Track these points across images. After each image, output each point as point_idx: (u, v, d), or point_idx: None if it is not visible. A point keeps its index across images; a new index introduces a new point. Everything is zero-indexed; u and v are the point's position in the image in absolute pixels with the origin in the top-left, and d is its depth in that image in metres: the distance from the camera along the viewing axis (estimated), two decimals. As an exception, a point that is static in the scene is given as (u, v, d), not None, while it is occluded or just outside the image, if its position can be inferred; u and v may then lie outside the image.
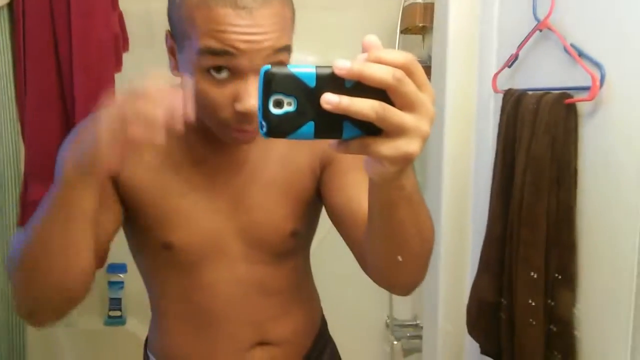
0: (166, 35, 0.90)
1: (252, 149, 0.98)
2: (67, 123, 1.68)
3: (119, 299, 2.35)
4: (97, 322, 2.33)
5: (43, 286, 0.82)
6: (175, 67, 0.89)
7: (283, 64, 0.80)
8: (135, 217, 0.98)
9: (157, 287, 1.06)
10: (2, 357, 1.68)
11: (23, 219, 1.67)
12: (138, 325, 2.33)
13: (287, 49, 0.84)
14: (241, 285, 1.02)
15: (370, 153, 0.53)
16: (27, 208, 1.68)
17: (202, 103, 0.84)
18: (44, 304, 0.85)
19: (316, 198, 1.02)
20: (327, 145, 0.56)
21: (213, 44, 0.79)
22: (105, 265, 2.27)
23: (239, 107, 0.82)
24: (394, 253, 0.75)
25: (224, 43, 0.79)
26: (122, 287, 2.35)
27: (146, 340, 1.15)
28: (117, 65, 1.71)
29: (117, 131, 0.69)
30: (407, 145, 0.52)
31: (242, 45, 0.79)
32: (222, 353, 1.04)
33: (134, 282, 2.35)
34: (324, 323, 1.20)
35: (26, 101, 1.65)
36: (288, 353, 1.08)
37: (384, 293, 2.25)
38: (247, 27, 0.79)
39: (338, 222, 0.94)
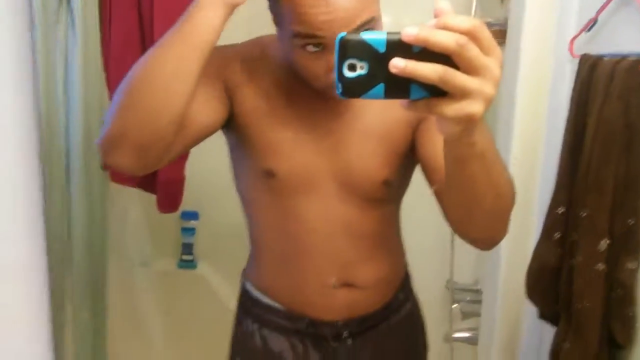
0: (269, 7, 0.95)
1: (354, 99, 1.03)
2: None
3: (191, 245, 2.48)
4: (171, 265, 2.47)
5: (139, 111, 0.83)
6: (280, 38, 0.96)
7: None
8: (243, 141, 1.06)
9: (255, 214, 1.15)
10: (84, 294, 1.82)
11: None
12: (208, 269, 2.47)
13: (372, 20, 0.88)
14: (330, 223, 1.08)
15: (435, 113, 0.57)
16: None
17: (303, 73, 0.93)
18: (131, 135, 0.84)
19: (410, 152, 1.06)
20: None
21: (300, 28, 0.86)
22: (179, 211, 2.39)
23: (332, 77, 0.87)
24: (468, 207, 0.80)
25: (310, 26, 0.85)
26: (193, 234, 2.47)
27: (244, 270, 1.24)
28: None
29: None
30: (469, 107, 0.55)
31: (325, 26, 0.85)
32: (309, 287, 1.12)
33: (205, 229, 2.48)
34: (407, 277, 1.26)
35: (110, 51, 1.75)
36: (371, 297, 1.15)
37: (446, 255, 2.28)
38: (325, 7, 0.84)
39: (428, 174, 1.00)
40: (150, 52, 0.85)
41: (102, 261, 1.86)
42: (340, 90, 0.57)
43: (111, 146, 0.87)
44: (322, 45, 0.88)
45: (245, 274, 1.24)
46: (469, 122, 0.58)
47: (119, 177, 1.82)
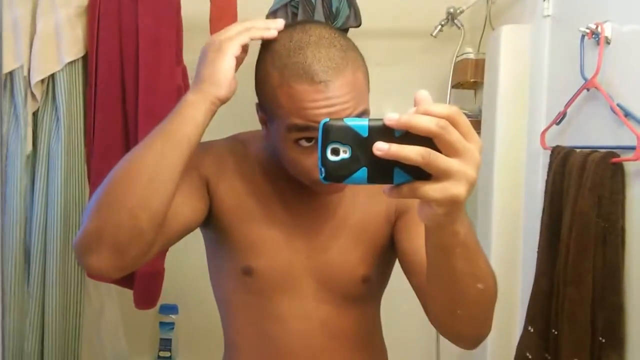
0: (256, 107, 0.97)
1: (335, 196, 1.04)
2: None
3: (169, 340, 2.40)
4: (148, 363, 2.38)
5: (117, 209, 0.81)
6: (268, 135, 0.97)
7: None
8: (221, 238, 1.04)
9: (231, 313, 1.11)
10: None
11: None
12: (187, 367, 2.38)
13: (365, 113, 0.90)
14: (309, 322, 1.05)
15: (420, 196, 0.57)
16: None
17: (294, 168, 0.93)
18: (108, 235, 0.82)
19: (390, 247, 1.05)
20: None
21: (297, 121, 0.86)
22: (157, 306, 2.33)
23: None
24: (451, 301, 0.78)
25: (306, 119, 0.86)
26: (172, 328, 2.40)
27: None
28: (179, 115, 1.81)
29: (235, 38, 0.86)
30: (453, 188, 0.56)
31: (322, 119, 0.85)
32: None
33: (184, 324, 2.41)
34: None
35: (94, 146, 1.76)
36: None
37: (431, 342, 2.23)
38: (325, 101, 0.85)
39: (408, 270, 0.98)
40: (133, 150, 0.85)
41: (76, 358, 1.79)
42: (323, 174, 0.57)
43: (88, 246, 0.84)
44: (315, 140, 0.89)
45: None
46: (452, 205, 0.58)
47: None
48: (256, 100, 0.96)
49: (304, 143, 0.89)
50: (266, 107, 0.94)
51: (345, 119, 0.56)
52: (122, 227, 0.81)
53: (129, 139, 1.77)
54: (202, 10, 1.73)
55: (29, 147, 1.71)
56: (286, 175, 1.02)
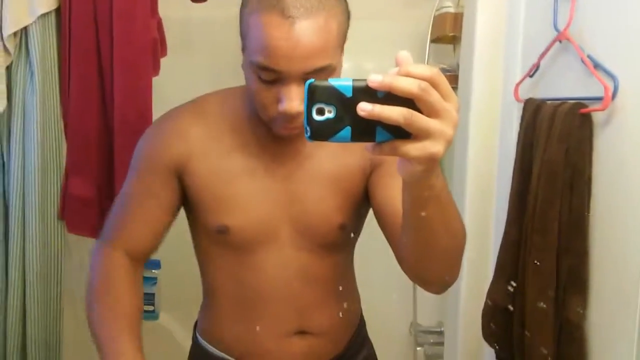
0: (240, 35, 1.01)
1: (309, 145, 1.07)
2: (106, 121, 1.77)
3: (152, 294, 2.42)
4: (131, 315, 2.41)
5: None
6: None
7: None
8: (195, 201, 1.08)
9: (210, 268, 1.15)
10: (40, 346, 1.77)
11: (63, 210, 1.77)
12: (170, 320, 2.42)
13: (329, 67, 0.92)
14: (287, 270, 1.09)
15: (400, 154, 0.60)
16: (67, 200, 1.77)
17: (255, 101, 0.98)
18: None
19: (364, 198, 1.09)
20: None
21: (259, 59, 0.90)
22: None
23: (280, 107, 0.93)
24: (424, 249, 0.83)
25: (267, 59, 0.89)
26: (155, 283, 2.43)
27: (195, 324, 1.23)
28: (155, 68, 1.80)
29: None
30: (432, 147, 0.59)
31: (282, 62, 0.89)
32: (264, 336, 1.11)
33: (167, 278, 2.44)
34: (362, 323, 1.26)
35: (69, 100, 1.75)
36: (325, 345, 1.15)
37: (408, 298, 2.29)
38: (287, 40, 0.88)
39: (382, 220, 1.02)
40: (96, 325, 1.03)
41: (58, 312, 1.82)
42: (309, 133, 0.60)
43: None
44: (274, 78, 0.92)
45: (197, 327, 1.22)
46: (430, 162, 0.62)
47: (75, 227, 1.79)
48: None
49: (264, 77, 0.93)
50: (241, 33, 0.98)
51: (330, 80, 0.59)
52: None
53: (105, 92, 1.75)
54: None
55: (4, 102, 1.69)
56: (262, 125, 1.03)
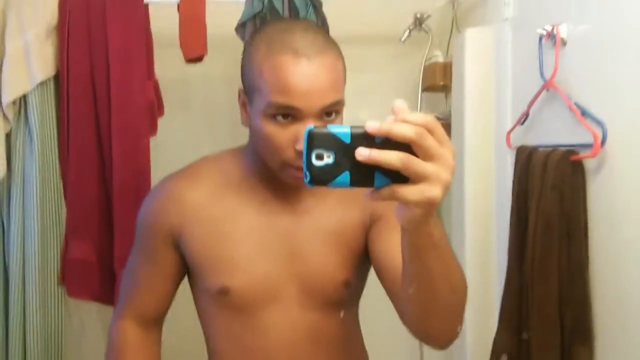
0: (239, 92, 1.04)
1: (308, 201, 1.07)
2: (105, 184, 1.78)
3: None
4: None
5: None
6: (247, 120, 1.02)
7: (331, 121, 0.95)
8: (194, 265, 1.08)
9: (213, 331, 1.13)
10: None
11: (63, 274, 1.77)
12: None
13: (339, 103, 0.96)
14: (294, 331, 1.07)
15: (399, 198, 0.61)
16: (67, 264, 1.77)
17: (268, 145, 0.97)
18: None
19: (366, 253, 1.08)
20: (376, 202, 0.62)
21: (279, 99, 0.92)
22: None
23: (297, 147, 0.93)
24: (425, 301, 0.81)
25: (288, 97, 0.92)
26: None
27: None
28: (152, 129, 1.82)
29: None
30: (429, 190, 0.60)
31: (302, 99, 0.92)
32: None
33: (166, 341, 2.40)
34: None
35: (68, 164, 1.77)
36: None
37: (415, 354, 2.25)
38: (304, 76, 0.92)
39: (382, 274, 1.01)
40: None
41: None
42: (308, 178, 0.60)
43: None
44: (291, 116, 0.93)
45: None
46: (428, 206, 0.62)
47: (76, 291, 1.79)
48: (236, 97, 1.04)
49: (280, 119, 0.94)
50: (249, 84, 0.99)
51: (328, 126, 0.60)
52: None
53: (103, 155, 1.78)
54: (171, 24, 1.75)
55: (4, 169, 1.71)
56: (263, 182, 1.05)
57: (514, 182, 1.41)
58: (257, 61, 0.96)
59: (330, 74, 0.94)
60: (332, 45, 0.97)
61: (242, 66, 1.02)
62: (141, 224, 1.13)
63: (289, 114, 0.93)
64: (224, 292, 1.05)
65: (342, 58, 0.99)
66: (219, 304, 1.08)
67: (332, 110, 0.95)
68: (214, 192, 1.08)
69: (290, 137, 0.94)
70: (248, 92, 1.00)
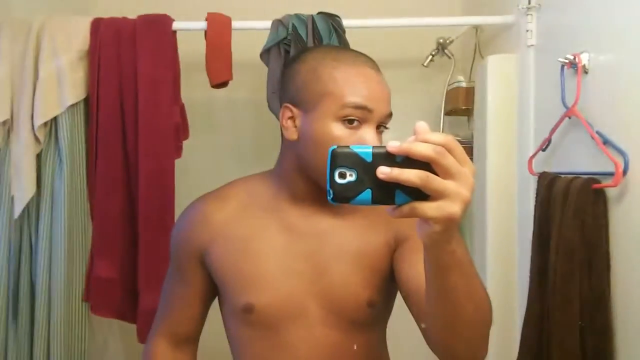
0: (284, 109, 1.07)
1: (332, 221, 1.09)
2: (131, 204, 1.82)
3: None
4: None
5: None
6: (294, 134, 1.05)
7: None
8: (220, 281, 1.11)
9: (239, 350, 1.15)
10: None
11: (88, 291, 1.81)
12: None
13: (391, 115, 1.04)
14: (318, 349, 1.07)
15: (419, 214, 0.63)
16: (92, 282, 1.81)
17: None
18: None
19: (391, 275, 1.08)
20: (401, 223, 0.65)
21: (357, 100, 0.99)
22: None
23: None
24: (449, 321, 0.81)
25: (365, 99, 0.99)
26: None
27: None
28: (177, 152, 1.86)
29: None
30: (449, 207, 0.62)
31: (375, 101, 1.00)
32: None
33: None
34: None
35: (96, 185, 1.81)
36: None
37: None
38: (377, 84, 1.02)
39: (407, 296, 1.01)
40: None
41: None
42: (331, 195, 0.63)
43: None
44: (358, 121, 0.99)
45: None
46: (449, 222, 0.63)
47: (100, 309, 1.82)
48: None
49: (347, 124, 0.99)
50: (309, 95, 1.03)
51: (351, 146, 0.63)
52: None
53: (130, 177, 1.82)
54: (198, 49, 1.80)
55: (34, 188, 1.76)
56: (289, 203, 1.07)
57: (535, 208, 1.41)
58: (326, 70, 1.02)
59: (389, 89, 1.04)
60: None
61: (291, 82, 1.06)
62: (173, 244, 1.18)
63: (358, 119, 0.99)
64: (248, 310, 1.06)
65: None
66: (244, 322, 1.09)
67: (386, 122, 1.02)
68: (240, 212, 1.11)
69: (355, 141, 0.99)
70: (306, 102, 1.03)
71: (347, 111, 0.99)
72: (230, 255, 1.09)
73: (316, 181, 1.04)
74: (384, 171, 0.60)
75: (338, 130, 0.99)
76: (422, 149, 0.60)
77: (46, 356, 1.77)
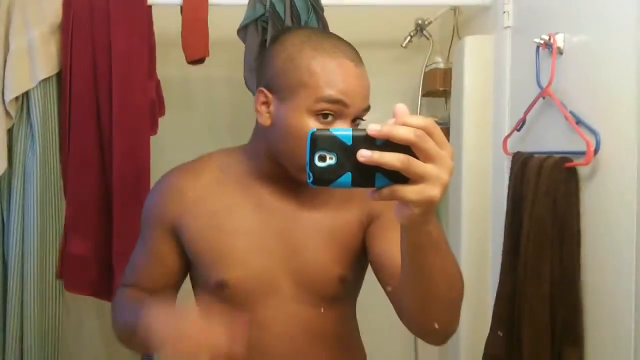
0: (258, 93, 1.05)
1: (306, 200, 1.09)
2: (105, 181, 1.80)
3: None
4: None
5: (134, 348, 1.10)
6: (267, 120, 1.04)
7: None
8: (193, 257, 1.10)
9: None
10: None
11: (62, 268, 1.79)
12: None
13: (369, 108, 1.02)
14: (290, 325, 1.09)
15: (399, 197, 0.63)
16: (66, 259, 1.79)
17: (304, 141, 0.98)
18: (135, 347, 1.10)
19: (363, 251, 1.10)
20: (374, 202, 0.69)
21: (332, 93, 0.97)
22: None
23: None
24: (424, 298, 0.84)
25: (340, 92, 0.96)
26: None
27: None
28: (153, 128, 1.84)
29: None
30: (429, 190, 0.63)
31: (352, 95, 0.97)
32: None
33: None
34: None
35: (69, 161, 1.79)
36: None
37: (410, 351, 2.27)
38: (356, 79, 0.98)
39: (379, 272, 1.03)
40: (126, 326, 1.05)
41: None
42: (311, 179, 0.63)
43: (121, 341, 1.10)
44: (332, 116, 0.97)
45: None
46: (427, 205, 0.64)
47: (73, 286, 1.80)
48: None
49: (321, 119, 0.98)
50: (287, 82, 1.01)
51: (331, 129, 0.63)
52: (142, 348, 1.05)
53: (104, 153, 1.79)
54: (174, 25, 1.77)
55: (5, 164, 1.73)
56: (262, 180, 1.07)
57: (509, 186, 1.43)
58: (304, 60, 0.99)
59: (368, 82, 1.01)
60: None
61: (268, 66, 1.04)
62: (145, 216, 1.16)
63: (333, 113, 0.97)
64: (221, 286, 1.07)
65: None
66: (217, 298, 1.09)
67: (362, 115, 1.00)
68: (214, 187, 1.11)
69: None
70: (281, 90, 1.02)
71: (322, 105, 0.97)
72: (205, 230, 1.08)
73: (286, 167, 1.04)
74: (364, 154, 0.60)
75: (311, 124, 0.98)
76: (402, 133, 0.60)
77: (19, 333, 1.74)
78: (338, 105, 0.96)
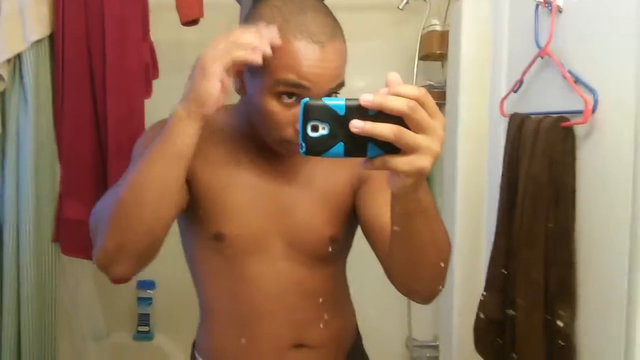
0: None
1: (299, 162, 1.10)
2: (100, 145, 1.79)
3: (147, 315, 2.44)
4: (126, 337, 2.42)
5: (135, 227, 0.91)
6: (242, 89, 1.02)
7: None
8: (193, 207, 1.09)
9: (205, 279, 1.15)
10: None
11: (57, 232, 1.79)
12: (165, 341, 2.42)
13: (343, 84, 0.98)
14: (281, 283, 1.10)
15: (390, 168, 0.64)
16: (61, 223, 1.79)
17: (268, 121, 0.98)
18: (129, 249, 0.92)
19: (353, 211, 1.11)
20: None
21: (290, 77, 0.93)
22: (134, 281, 2.36)
23: (292, 131, 0.96)
24: (412, 261, 0.87)
25: (299, 76, 0.93)
26: (150, 304, 2.44)
27: (193, 344, 1.24)
28: (147, 91, 1.83)
29: (219, 59, 0.88)
30: (420, 161, 0.63)
31: (313, 79, 0.93)
32: (261, 350, 1.12)
33: (162, 299, 2.45)
34: (359, 337, 1.27)
35: (63, 125, 1.77)
36: (323, 358, 1.15)
37: (403, 313, 2.30)
38: (317, 62, 0.93)
39: (369, 234, 1.05)
40: (135, 172, 0.92)
41: (52, 336, 1.82)
42: (304, 149, 0.63)
43: (112, 260, 0.94)
44: (296, 97, 0.95)
45: (196, 345, 1.23)
46: (418, 175, 0.65)
47: (70, 249, 1.81)
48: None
49: (285, 99, 0.95)
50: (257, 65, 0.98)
51: (323, 99, 0.62)
52: (142, 241, 0.93)
53: (98, 116, 1.78)
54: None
55: (-2, 127, 1.72)
56: (254, 141, 1.06)
57: (505, 148, 1.43)
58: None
59: (339, 60, 0.96)
60: (339, 28, 0.98)
61: None
62: (142, 145, 1.08)
63: (295, 94, 0.94)
64: (218, 238, 1.08)
65: (345, 40, 1.00)
66: (212, 250, 1.10)
67: (335, 91, 0.97)
68: (213, 139, 1.10)
69: (292, 116, 0.96)
70: (250, 65, 0.98)
71: (280, 88, 0.95)
72: (207, 180, 1.07)
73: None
74: (357, 125, 0.61)
75: (272, 105, 0.96)
76: (395, 104, 0.61)
77: (16, 297, 1.76)
78: (299, 88, 0.94)
